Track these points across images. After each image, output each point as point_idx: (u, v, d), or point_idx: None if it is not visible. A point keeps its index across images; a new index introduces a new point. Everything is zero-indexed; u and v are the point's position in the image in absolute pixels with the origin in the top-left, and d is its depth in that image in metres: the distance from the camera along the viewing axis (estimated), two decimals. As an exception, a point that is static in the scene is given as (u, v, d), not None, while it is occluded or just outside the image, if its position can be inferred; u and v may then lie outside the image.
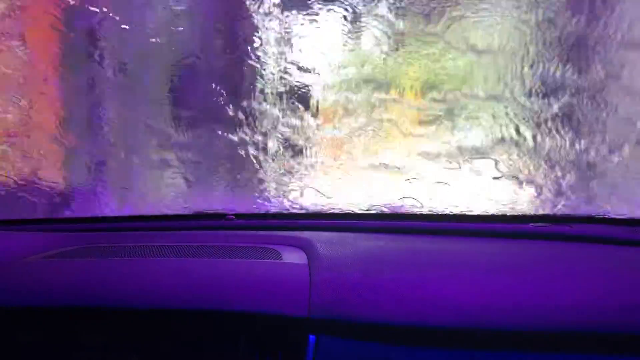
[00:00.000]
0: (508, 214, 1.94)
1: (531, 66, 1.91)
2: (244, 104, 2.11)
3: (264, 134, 2.12)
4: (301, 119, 2.11)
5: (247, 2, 2.03)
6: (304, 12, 2.05)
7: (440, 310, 1.18)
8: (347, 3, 2.00)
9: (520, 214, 1.93)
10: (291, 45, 2.10)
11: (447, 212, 1.98)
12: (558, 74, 1.90)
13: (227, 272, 1.42)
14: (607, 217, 1.86)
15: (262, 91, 2.11)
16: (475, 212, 1.95)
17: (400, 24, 1.97)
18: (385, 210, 2.02)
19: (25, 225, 2.01)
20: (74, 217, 2.13)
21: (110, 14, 2.06)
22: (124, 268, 1.49)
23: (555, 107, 1.91)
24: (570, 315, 1.15)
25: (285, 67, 2.10)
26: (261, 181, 2.12)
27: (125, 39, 2.11)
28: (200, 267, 1.48)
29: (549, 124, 1.92)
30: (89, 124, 2.17)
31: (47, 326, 1.30)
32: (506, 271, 1.40)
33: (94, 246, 1.71)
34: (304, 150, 2.12)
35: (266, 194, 2.11)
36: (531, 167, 1.95)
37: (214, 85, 2.10)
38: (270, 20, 2.06)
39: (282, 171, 2.11)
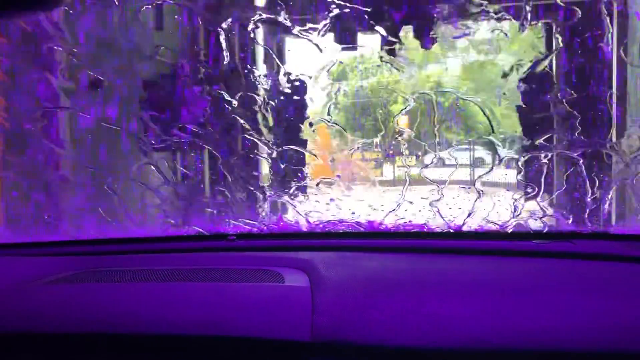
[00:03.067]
0: (510, 231, 1.93)
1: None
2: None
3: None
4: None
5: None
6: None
7: (444, 332, 1.17)
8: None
9: (522, 231, 1.93)
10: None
11: (448, 229, 1.97)
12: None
13: (229, 297, 1.41)
14: (609, 232, 1.85)
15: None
16: (477, 230, 1.95)
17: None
18: (386, 229, 2.02)
19: (26, 249, 2.01)
20: (74, 240, 2.12)
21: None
22: (125, 293, 1.48)
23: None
24: (573, 334, 1.14)
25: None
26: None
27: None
28: (202, 291, 1.48)
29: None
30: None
31: (50, 353, 1.30)
32: (509, 290, 1.39)
33: (95, 270, 1.70)
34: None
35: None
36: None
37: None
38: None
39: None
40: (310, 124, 2.20)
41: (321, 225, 2.05)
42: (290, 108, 2.18)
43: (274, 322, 1.26)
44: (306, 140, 2.22)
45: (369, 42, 2.22)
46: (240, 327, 1.25)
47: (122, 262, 1.82)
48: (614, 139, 1.92)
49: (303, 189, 2.18)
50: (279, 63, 2.16)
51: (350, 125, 2.36)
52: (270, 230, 2.10)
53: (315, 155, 2.20)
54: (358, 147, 2.21)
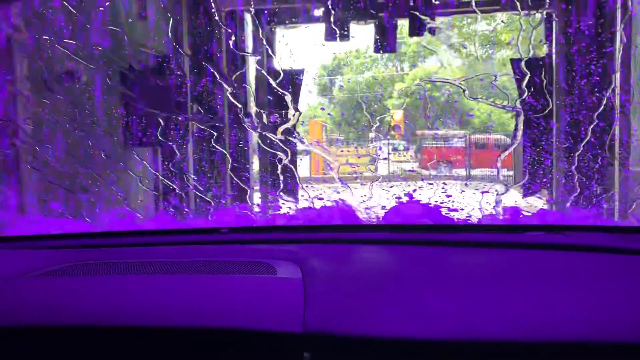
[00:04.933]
0: (502, 224, 1.93)
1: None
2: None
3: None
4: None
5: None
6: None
7: (435, 324, 1.17)
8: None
9: (515, 223, 1.93)
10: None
11: (442, 222, 1.97)
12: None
13: (221, 289, 1.41)
14: (601, 225, 1.86)
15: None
16: (470, 222, 1.95)
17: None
18: (378, 221, 2.02)
19: (14, 242, 2.00)
20: (64, 233, 2.12)
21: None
22: (115, 286, 1.48)
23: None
24: (565, 325, 1.14)
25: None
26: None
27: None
28: (194, 283, 1.47)
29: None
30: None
31: (39, 346, 1.29)
32: (501, 282, 1.40)
33: (88, 263, 1.70)
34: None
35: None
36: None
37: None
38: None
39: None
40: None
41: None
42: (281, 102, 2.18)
43: (266, 313, 1.26)
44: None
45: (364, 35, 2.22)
46: (232, 318, 1.25)
47: (113, 255, 1.82)
48: (616, 133, 1.92)
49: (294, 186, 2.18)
50: (271, 55, 2.15)
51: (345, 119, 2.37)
52: (263, 222, 2.10)
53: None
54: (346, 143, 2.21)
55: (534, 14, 1.95)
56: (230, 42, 2.12)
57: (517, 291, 1.32)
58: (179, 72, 2.16)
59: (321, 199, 2.12)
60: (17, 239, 2.04)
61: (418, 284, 1.38)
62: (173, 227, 2.11)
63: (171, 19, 2.15)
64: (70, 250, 1.91)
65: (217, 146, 2.13)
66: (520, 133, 2.01)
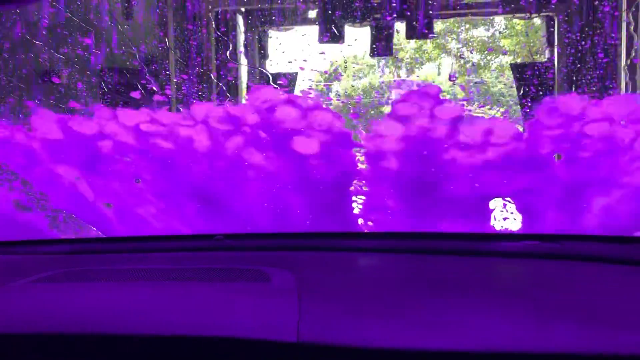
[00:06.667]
0: (499, 233, 1.93)
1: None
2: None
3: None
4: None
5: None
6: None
7: (431, 334, 1.16)
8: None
9: (511, 232, 1.93)
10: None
11: (437, 231, 1.97)
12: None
13: (214, 297, 1.40)
14: (596, 235, 1.85)
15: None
16: (466, 232, 1.95)
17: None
18: (374, 230, 2.01)
19: (12, 248, 1.99)
20: (61, 239, 2.10)
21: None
22: (110, 293, 1.46)
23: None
24: (560, 335, 1.14)
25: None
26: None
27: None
28: (188, 291, 1.46)
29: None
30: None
31: (35, 353, 1.28)
32: (497, 291, 1.39)
33: (80, 270, 1.68)
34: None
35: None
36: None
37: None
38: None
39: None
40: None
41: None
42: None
43: (259, 322, 1.25)
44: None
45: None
46: (225, 327, 1.24)
47: (106, 261, 1.80)
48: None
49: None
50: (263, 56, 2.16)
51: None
52: (259, 230, 2.09)
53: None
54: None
55: (534, 17, 1.96)
56: (227, 51, 2.12)
57: (513, 300, 1.31)
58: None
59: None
60: (8, 244, 2.03)
61: (414, 293, 1.37)
62: (168, 234, 2.10)
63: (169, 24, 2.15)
64: (62, 256, 1.89)
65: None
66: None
